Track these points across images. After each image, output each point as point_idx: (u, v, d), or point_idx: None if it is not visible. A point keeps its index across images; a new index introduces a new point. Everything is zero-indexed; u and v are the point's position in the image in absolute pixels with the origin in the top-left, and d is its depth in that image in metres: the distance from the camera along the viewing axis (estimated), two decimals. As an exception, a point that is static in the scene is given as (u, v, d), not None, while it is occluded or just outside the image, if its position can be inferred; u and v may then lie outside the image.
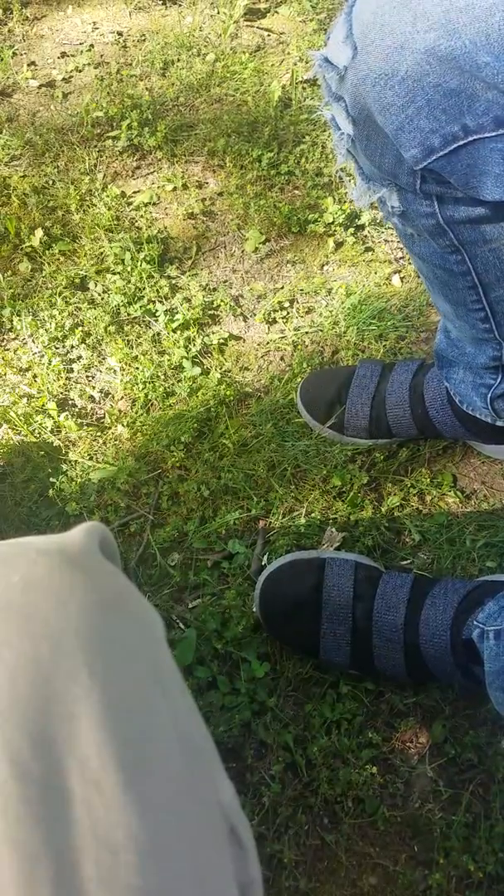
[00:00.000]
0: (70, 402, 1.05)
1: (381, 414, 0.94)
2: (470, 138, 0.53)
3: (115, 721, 0.30)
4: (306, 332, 1.09)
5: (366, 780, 0.77)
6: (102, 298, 1.12)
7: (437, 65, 0.51)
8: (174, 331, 1.09)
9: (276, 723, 0.81)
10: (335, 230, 1.18)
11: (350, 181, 0.68)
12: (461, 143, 0.53)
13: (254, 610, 0.86)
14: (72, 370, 1.07)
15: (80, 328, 1.10)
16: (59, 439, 1.01)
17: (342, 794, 0.77)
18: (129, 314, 1.11)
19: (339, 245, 1.18)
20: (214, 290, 1.14)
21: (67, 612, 0.33)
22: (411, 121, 0.54)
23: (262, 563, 0.90)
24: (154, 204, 1.24)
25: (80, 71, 1.42)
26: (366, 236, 1.19)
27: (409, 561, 0.91)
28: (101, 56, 1.44)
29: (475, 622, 0.73)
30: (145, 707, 0.33)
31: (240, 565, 0.91)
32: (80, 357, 1.08)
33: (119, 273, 1.14)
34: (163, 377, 1.05)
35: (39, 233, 1.17)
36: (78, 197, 1.22)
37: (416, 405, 0.93)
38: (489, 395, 0.83)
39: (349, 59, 0.56)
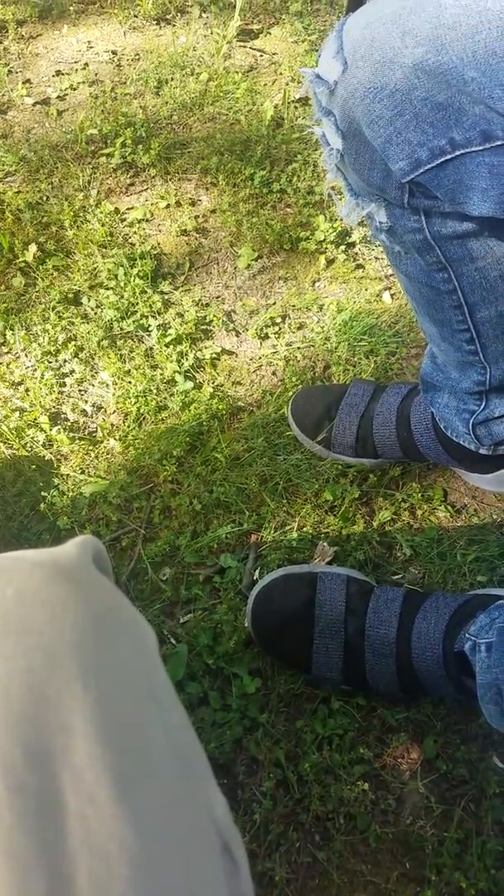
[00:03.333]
0: (62, 415, 1.05)
1: (368, 433, 0.95)
2: (457, 152, 0.54)
3: (109, 734, 0.30)
4: (298, 348, 1.10)
5: (357, 797, 0.77)
6: (95, 313, 1.13)
7: (426, 79, 0.52)
8: (167, 345, 1.09)
9: (268, 739, 0.81)
10: (326, 247, 1.19)
11: (340, 199, 0.68)
12: (448, 156, 0.54)
13: (245, 625, 0.86)
14: (64, 384, 1.07)
15: (73, 342, 1.10)
16: (51, 453, 1.01)
17: (333, 811, 0.77)
18: (122, 329, 1.11)
19: (330, 262, 1.19)
20: (207, 305, 1.15)
21: (62, 625, 0.33)
22: (399, 133, 0.54)
23: (254, 578, 0.90)
24: (147, 220, 1.25)
25: (74, 89, 1.43)
26: (356, 254, 1.20)
27: (400, 575, 0.91)
28: (96, 74, 1.46)
29: (467, 635, 0.74)
30: (139, 720, 0.33)
31: (231, 580, 0.91)
32: (72, 371, 1.08)
33: (112, 288, 1.15)
34: (155, 391, 1.06)
35: (33, 248, 1.18)
36: (72, 213, 1.23)
37: (401, 428, 0.93)
38: (471, 421, 0.83)
39: (339, 74, 0.57)
